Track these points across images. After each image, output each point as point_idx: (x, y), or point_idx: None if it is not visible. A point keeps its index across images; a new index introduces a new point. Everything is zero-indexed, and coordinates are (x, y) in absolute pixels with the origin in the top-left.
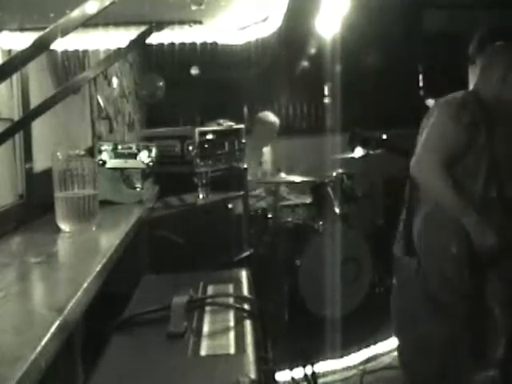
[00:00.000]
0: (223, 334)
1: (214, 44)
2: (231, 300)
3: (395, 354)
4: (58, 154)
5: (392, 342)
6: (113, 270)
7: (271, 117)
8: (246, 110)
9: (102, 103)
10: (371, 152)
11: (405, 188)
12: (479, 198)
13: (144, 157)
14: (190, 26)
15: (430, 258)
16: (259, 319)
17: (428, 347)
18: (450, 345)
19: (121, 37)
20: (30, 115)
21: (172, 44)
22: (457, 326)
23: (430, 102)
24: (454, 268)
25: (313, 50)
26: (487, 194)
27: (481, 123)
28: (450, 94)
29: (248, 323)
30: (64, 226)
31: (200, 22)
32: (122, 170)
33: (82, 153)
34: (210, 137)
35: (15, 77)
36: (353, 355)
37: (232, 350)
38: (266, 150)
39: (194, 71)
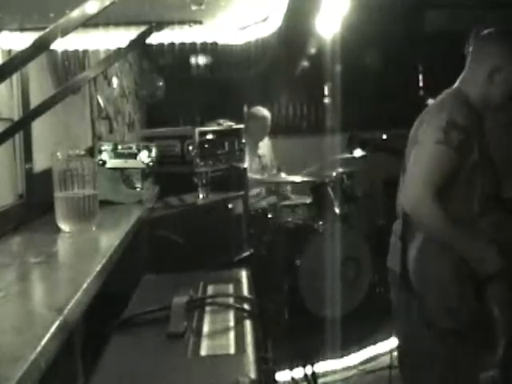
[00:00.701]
0: (223, 334)
1: (214, 44)
2: (231, 300)
3: (395, 353)
4: (58, 154)
5: (392, 342)
6: (113, 270)
7: (263, 111)
8: (245, 109)
9: (101, 103)
10: (370, 154)
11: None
12: (478, 206)
13: (144, 157)
14: (190, 26)
15: (427, 288)
16: (259, 319)
17: (429, 368)
18: (451, 364)
19: (121, 37)
20: (30, 115)
21: (172, 44)
22: (460, 351)
23: (430, 102)
24: (454, 297)
25: (313, 50)
26: (487, 202)
27: (471, 137)
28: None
29: (248, 323)
30: (64, 226)
31: (200, 22)
32: (122, 169)
33: (82, 153)
34: (210, 137)
35: (15, 77)
36: (353, 355)
37: (232, 350)
38: (263, 144)
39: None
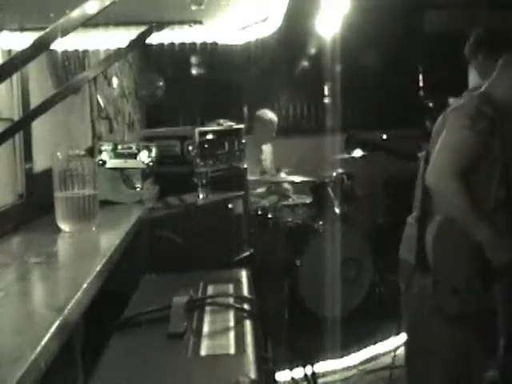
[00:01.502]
0: (223, 334)
1: (214, 44)
2: (231, 300)
3: (395, 354)
4: (58, 154)
5: (392, 342)
6: (113, 270)
7: (269, 114)
8: (246, 109)
9: (102, 103)
10: (369, 153)
11: (407, 190)
12: (494, 202)
13: (144, 157)
14: (190, 25)
15: (442, 269)
16: (259, 319)
17: (437, 358)
18: (460, 356)
19: (121, 37)
20: (30, 115)
21: (172, 44)
22: (468, 338)
23: (451, 100)
24: (466, 280)
25: (313, 50)
26: (502, 200)
27: (496, 128)
28: (462, 94)
29: (248, 323)
30: (64, 226)
31: (200, 22)
32: (121, 169)
33: (82, 153)
34: (210, 137)
35: (15, 77)
36: (353, 355)
37: (232, 350)
38: (266, 147)
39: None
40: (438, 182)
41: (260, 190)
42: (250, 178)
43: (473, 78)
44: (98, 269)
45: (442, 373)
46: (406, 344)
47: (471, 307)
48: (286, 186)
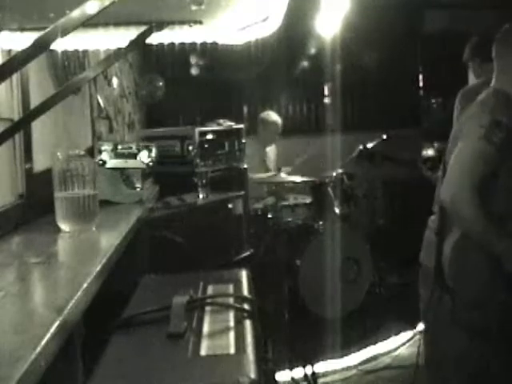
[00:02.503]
0: (223, 334)
1: (214, 44)
2: (231, 300)
3: (395, 353)
4: (58, 154)
5: (392, 342)
6: (113, 270)
7: (274, 116)
8: (245, 109)
9: (101, 103)
10: (377, 167)
11: (407, 190)
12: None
13: (144, 157)
14: (190, 25)
15: (461, 283)
16: (259, 319)
17: (456, 371)
18: (480, 371)
19: (121, 37)
20: (30, 115)
21: (172, 44)
22: (488, 352)
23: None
24: (488, 294)
25: (313, 50)
26: None
27: None
28: (479, 95)
29: (248, 323)
30: (64, 226)
31: (200, 22)
32: (122, 169)
33: (82, 153)
34: (210, 137)
35: (15, 77)
36: (353, 355)
37: (232, 350)
38: (269, 149)
39: (195, 70)
40: (453, 199)
41: (261, 191)
42: (254, 178)
43: (472, 78)
44: (97, 269)
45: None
46: (426, 349)
47: (492, 321)
48: (285, 189)
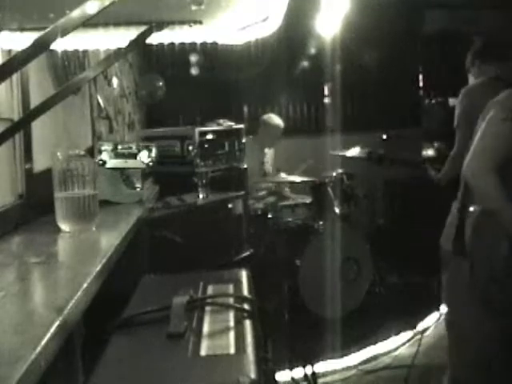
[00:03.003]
0: (223, 334)
1: (214, 44)
2: (231, 300)
3: (395, 353)
4: (58, 154)
5: (392, 342)
6: (113, 270)
7: (276, 120)
8: (246, 109)
9: (101, 103)
10: (386, 169)
11: (407, 190)
12: None
13: (144, 157)
14: (190, 25)
15: (480, 258)
16: (259, 319)
17: (473, 344)
18: (496, 345)
19: (121, 37)
20: (30, 115)
21: (172, 44)
22: (506, 328)
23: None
24: (506, 270)
25: (313, 50)
26: None
27: None
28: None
29: (248, 323)
30: (64, 226)
31: (200, 22)
32: (122, 169)
33: (82, 153)
34: (210, 137)
35: (15, 77)
36: (353, 355)
37: (232, 350)
38: (269, 151)
39: (195, 70)
40: (474, 173)
41: (262, 192)
42: (252, 180)
43: (472, 80)
44: (97, 269)
45: (477, 360)
46: (449, 336)
47: (509, 297)
48: (286, 189)
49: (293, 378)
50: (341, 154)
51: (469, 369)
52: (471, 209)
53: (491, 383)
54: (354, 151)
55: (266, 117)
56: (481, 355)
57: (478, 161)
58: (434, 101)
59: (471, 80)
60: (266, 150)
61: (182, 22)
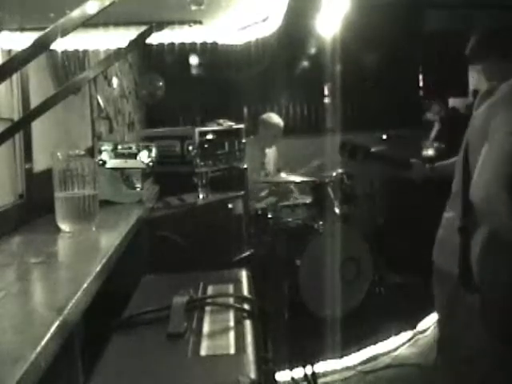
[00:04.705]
0: (223, 334)
1: (214, 44)
2: (231, 300)
3: (395, 353)
4: (58, 154)
5: (392, 342)
6: (113, 270)
7: (275, 119)
8: (246, 109)
9: (101, 103)
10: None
11: (407, 190)
12: None
13: (144, 157)
14: (190, 25)
15: (493, 285)
16: (259, 319)
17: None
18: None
19: (121, 37)
20: (30, 115)
21: (172, 44)
22: None
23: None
24: None
25: (313, 50)
26: None
27: None
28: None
29: (248, 323)
30: (64, 226)
31: (200, 22)
32: (122, 169)
33: (82, 153)
34: (210, 137)
35: (15, 77)
36: (353, 355)
37: (232, 350)
38: (269, 151)
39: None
40: (484, 199)
41: (263, 193)
42: (253, 180)
43: (475, 81)
44: (97, 269)
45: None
46: (441, 351)
47: None
48: (289, 186)
49: (293, 378)
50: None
51: None
52: (477, 228)
53: None
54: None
55: (265, 116)
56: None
57: (486, 180)
58: (433, 101)
59: (474, 77)
60: (267, 150)
61: (181, 22)
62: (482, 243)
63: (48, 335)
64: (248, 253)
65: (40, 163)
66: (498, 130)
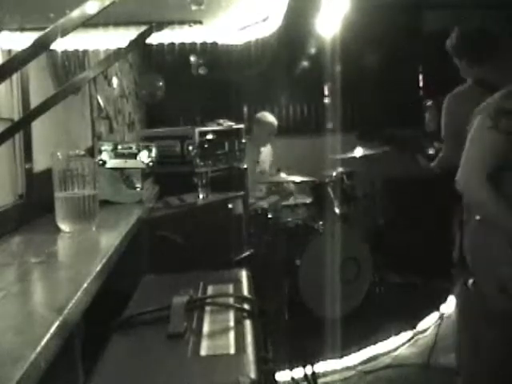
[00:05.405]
0: (223, 334)
1: (214, 44)
2: (231, 300)
3: (395, 353)
4: (58, 154)
5: (392, 342)
6: (113, 270)
7: (269, 117)
8: (245, 109)
9: (101, 103)
10: (375, 150)
11: (407, 190)
12: None
13: (144, 157)
14: (190, 25)
15: (483, 269)
16: (259, 319)
17: (483, 355)
18: (506, 356)
19: (121, 37)
20: (30, 115)
21: (172, 44)
22: None
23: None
24: (508, 278)
25: (313, 50)
26: None
27: None
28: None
29: (248, 323)
30: (64, 226)
31: (200, 22)
32: (122, 169)
33: (82, 153)
34: (210, 137)
35: (15, 77)
36: (353, 355)
37: (232, 350)
38: (264, 149)
39: (201, 70)
40: (467, 186)
41: (259, 192)
42: (252, 179)
43: (465, 73)
44: (98, 269)
45: (488, 372)
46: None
47: None
48: (289, 185)
49: (293, 378)
50: (340, 156)
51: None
52: (470, 219)
53: None
54: (358, 151)
55: (259, 115)
56: (488, 367)
57: (468, 172)
58: (433, 101)
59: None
60: (262, 149)
61: (181, 22)
62: (471, 232)
63: (48, 335)
64: (248, 253)
65: (40, 163)
66: (477, 126)
